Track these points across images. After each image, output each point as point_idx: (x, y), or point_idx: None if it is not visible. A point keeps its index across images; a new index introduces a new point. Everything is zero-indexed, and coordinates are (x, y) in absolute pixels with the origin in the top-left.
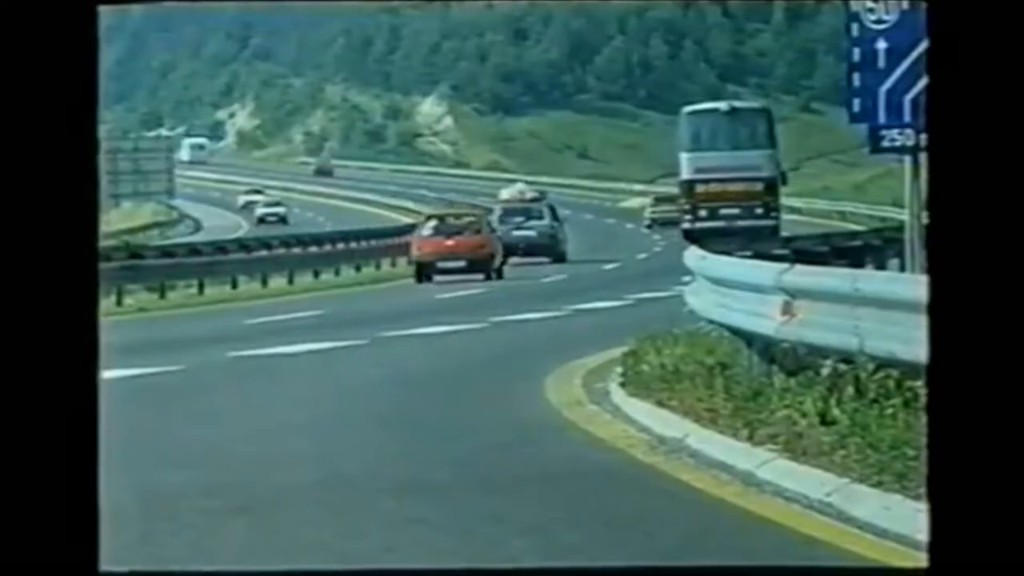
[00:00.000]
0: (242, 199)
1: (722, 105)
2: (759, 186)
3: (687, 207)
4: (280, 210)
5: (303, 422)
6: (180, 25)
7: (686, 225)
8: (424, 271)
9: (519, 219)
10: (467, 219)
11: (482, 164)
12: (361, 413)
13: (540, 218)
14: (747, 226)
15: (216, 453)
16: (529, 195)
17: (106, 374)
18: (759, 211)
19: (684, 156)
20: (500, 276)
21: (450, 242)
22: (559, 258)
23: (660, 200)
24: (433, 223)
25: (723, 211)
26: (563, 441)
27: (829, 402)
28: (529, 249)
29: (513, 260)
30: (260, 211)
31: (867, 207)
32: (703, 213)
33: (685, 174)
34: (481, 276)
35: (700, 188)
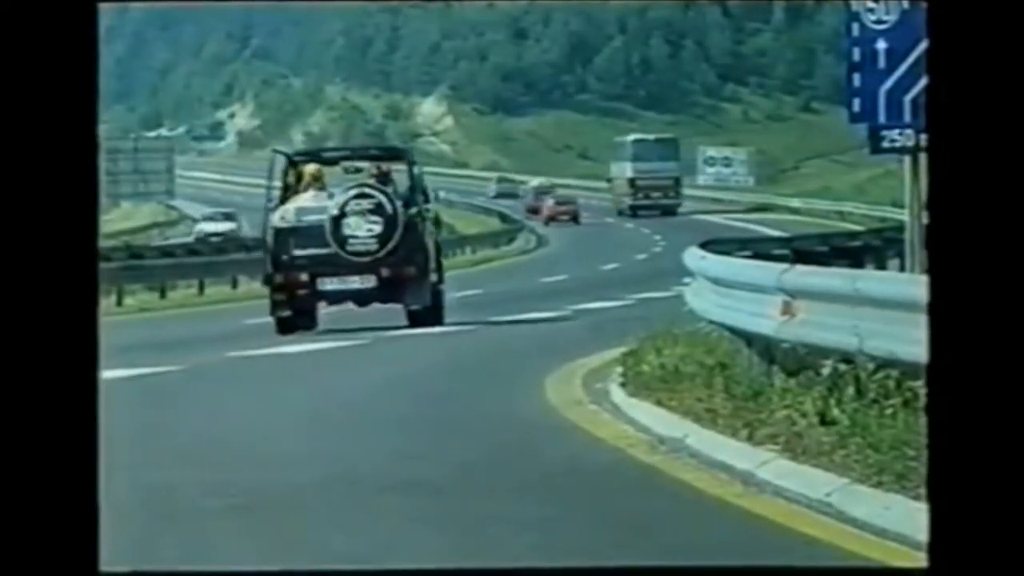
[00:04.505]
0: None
1: (651, 136)
2: (670, 181)
3: (631, 193)
4: (225, 227)
5: (303, 421)
6: (180, 25)
7: (629, 202)
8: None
9: (545, 195)
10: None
11: (482, 164)
12: (362, 411)
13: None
14: (663, 204)
15: (218, 452)
16: (548, 184)
17: (106, 374)
18: (671, 195)
19: (628, 164)
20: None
21: (563, 206)
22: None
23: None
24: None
25: (652, 195)
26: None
27: (829, 402)
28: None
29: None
30: (203, 226)
31: (867, 207)
32: (640, 196)
33: (630, 174)
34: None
35: (640, 182)
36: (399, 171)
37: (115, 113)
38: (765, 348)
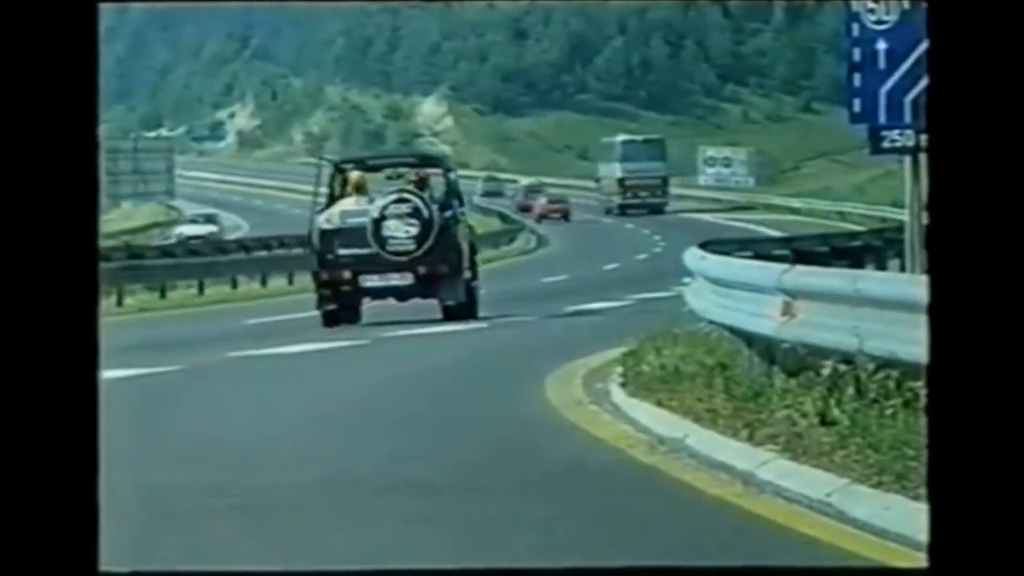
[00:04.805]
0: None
1: (639, 137)
2: (658, 181)
3: (620, 192)
4: (206, 230)
5: (303, 421)
6: (180, 25)
7: (619, 201)
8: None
9: (536, 193)
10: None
11: (482, 164)
12: (362, 409)
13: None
14: (651, 203)
15: (218, 452)
16: (538, 183)
17: (106, 374)
18: (658, 194)
19: (617, 164)
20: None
21: (554, 204)
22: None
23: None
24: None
25: (640, 194)
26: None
27: (829, 402)
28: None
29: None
30: (183, 229)
31: (867, 207)
32: (629, 195)
33: (619, 174)
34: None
35: (628, 182)
36: (436, 177)
37: (115, 113)
38: (765, 348)
